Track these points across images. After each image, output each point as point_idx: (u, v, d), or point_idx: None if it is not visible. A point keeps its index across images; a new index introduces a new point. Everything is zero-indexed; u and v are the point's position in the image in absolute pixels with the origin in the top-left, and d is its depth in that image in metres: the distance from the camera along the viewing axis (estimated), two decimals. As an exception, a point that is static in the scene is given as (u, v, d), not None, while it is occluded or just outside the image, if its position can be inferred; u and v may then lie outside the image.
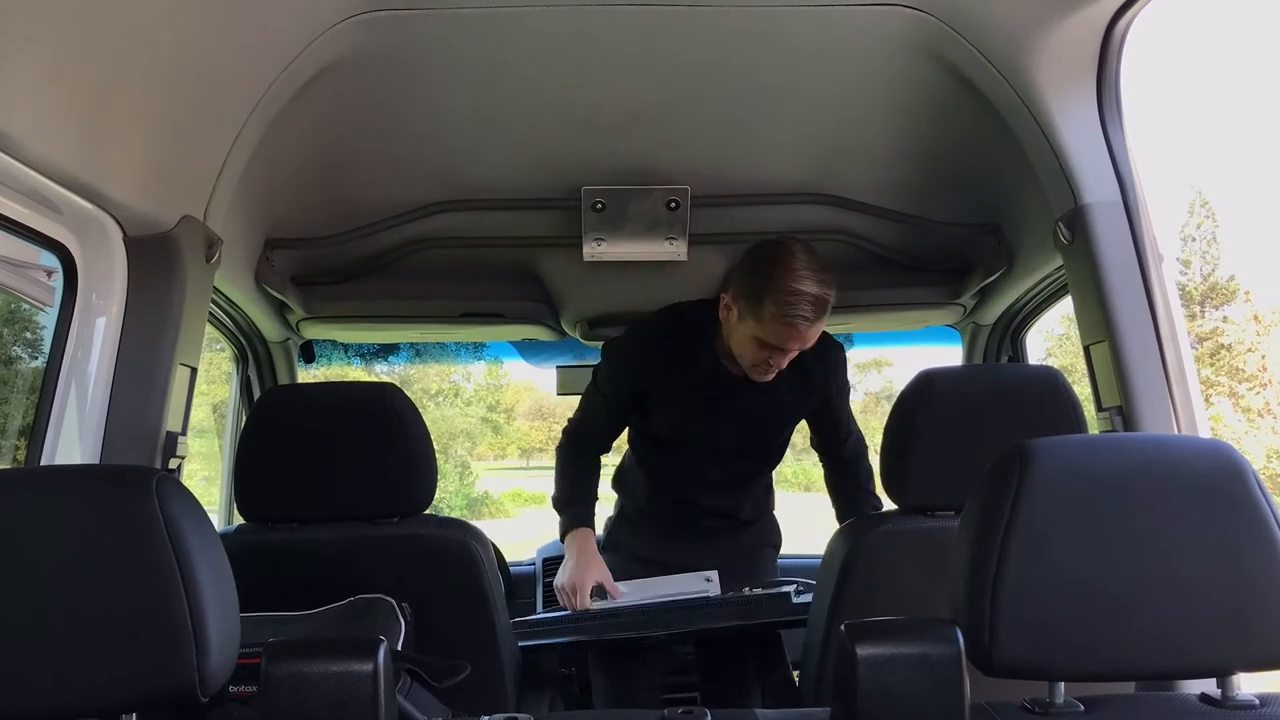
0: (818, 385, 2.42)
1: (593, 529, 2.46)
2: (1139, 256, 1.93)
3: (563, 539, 2.44)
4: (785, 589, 2.35)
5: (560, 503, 2.51)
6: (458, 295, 2.89)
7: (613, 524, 2.78)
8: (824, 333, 2.37)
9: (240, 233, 2.32)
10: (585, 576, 2.33)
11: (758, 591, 2.23)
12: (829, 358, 2.41)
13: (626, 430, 2.65)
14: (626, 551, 2.61)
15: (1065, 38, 1.82)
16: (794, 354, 2.24)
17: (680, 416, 2.47)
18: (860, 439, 2.58)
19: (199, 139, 1.89)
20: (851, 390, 2.59)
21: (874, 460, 2.35)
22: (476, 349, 3.62)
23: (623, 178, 2.49)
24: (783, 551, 2.80)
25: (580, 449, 2.56)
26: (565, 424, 2.63)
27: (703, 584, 2.33)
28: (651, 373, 2.41)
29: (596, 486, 2.59)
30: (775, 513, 2.78)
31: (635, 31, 1.91)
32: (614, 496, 2.78)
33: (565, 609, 2.33)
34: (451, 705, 1.64)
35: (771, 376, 2.27)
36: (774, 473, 2.75)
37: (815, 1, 1.81)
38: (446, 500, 21.28)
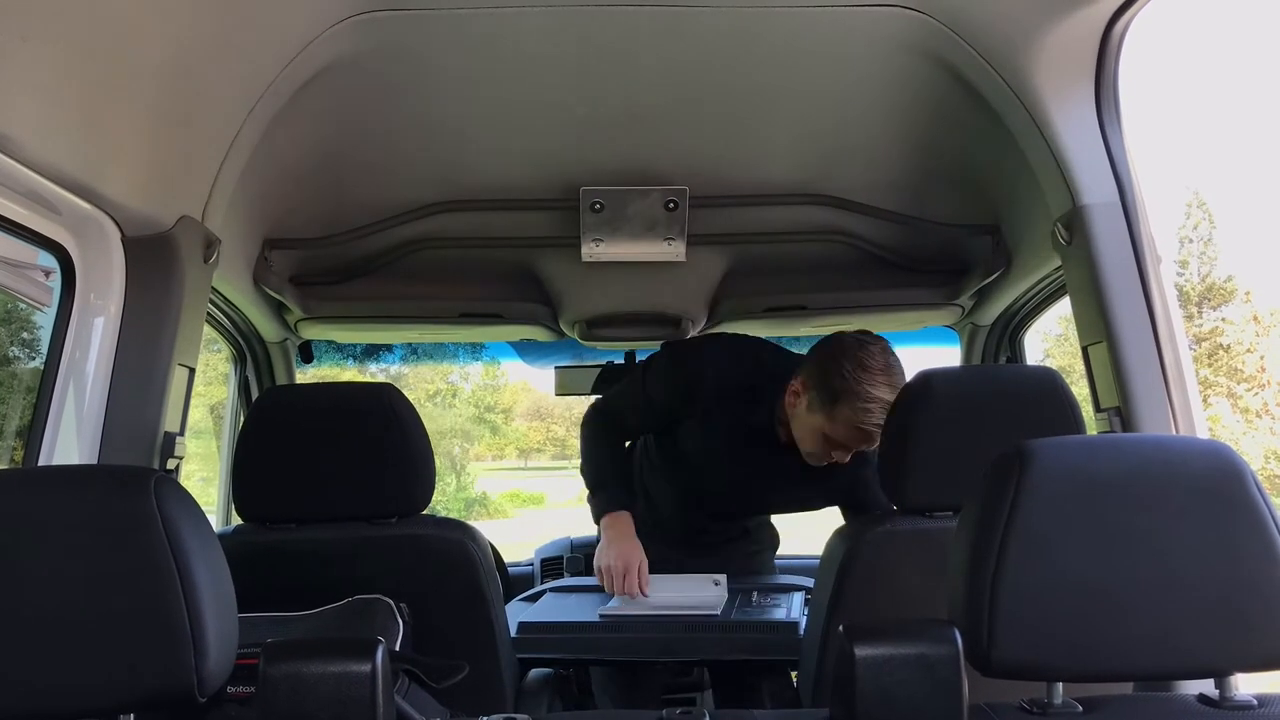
0: (844, 476, 2.35)
1: (630, 512, 2.38)
2: (1137, 257, 1.93)
3: (597, 520, 2.39)
4: (791, 596, 2.35)
5: (594, 483, 2.44)
6: (456, 296, 2.89)
7: None
8: None
9: (238, 233, 2.32)
10: (634, 558, 2.27)
11: (766, 617, 2.21)
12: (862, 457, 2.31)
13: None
14: None
15: (1063, 39, 1.82)
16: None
17: (713, 454, 2.44)
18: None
19: (197, 139, 1.89)
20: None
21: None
22: (475, 349, 3.62)
23: (621, 178, 2.49)
24: (782, 552, 2.80)
25: (612, 431, 2.52)
26: (595, 402, 2.59)
27: (710, 587, 2.33)
28: (708, 403, 2.36)
29: (626, 470, 2.57)
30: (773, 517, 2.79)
31: (634, 32, 1.91)
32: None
33: (609, 592, 2.31)
34: (449, 706, 1.63)
35: (832, 461, 2.23)
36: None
37: (814, 2, 1.81)
38: (444, 502, 21.27)
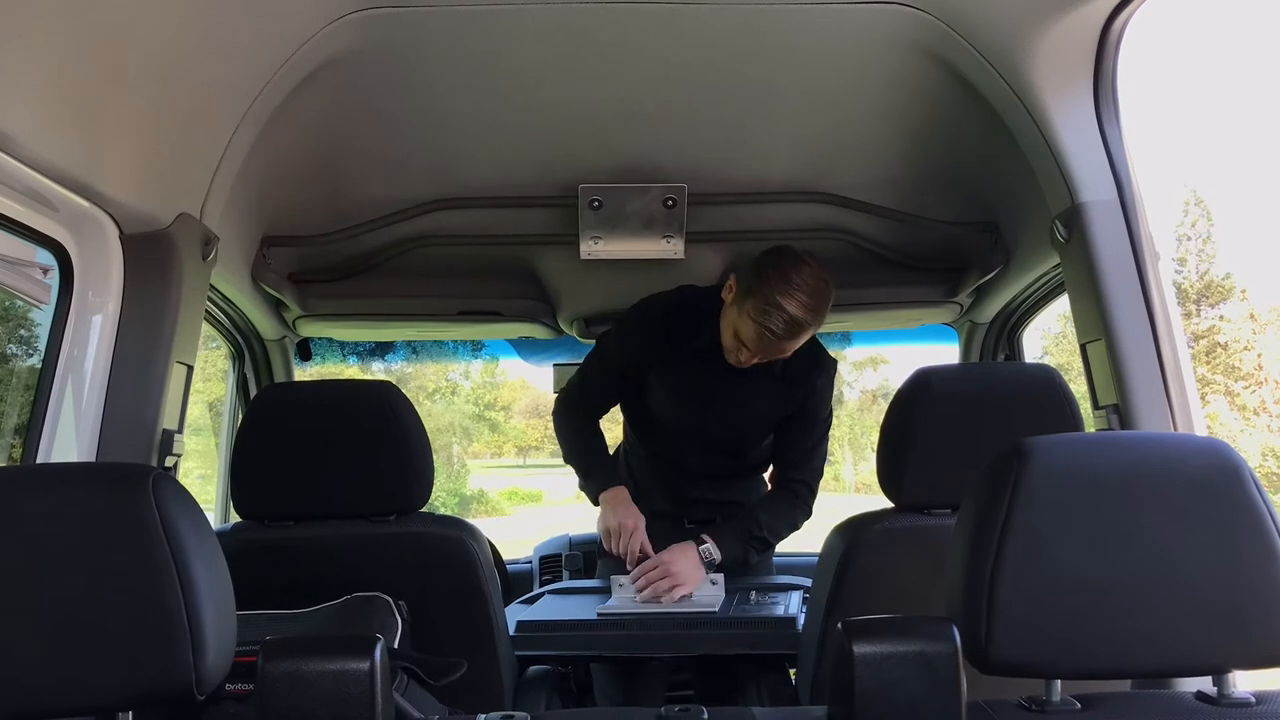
0: (797, 394, 2.46)
1: (625, 486, 2.48)
2: (1135, 255, 1.93)
3: (595, 501, 2.48)
4: (789, 595, 2.35)
5: (583, 469, 2.54)
6: (454, 293, 2.89)
7: None
8: (821, 350, 2.44)
9: (237, 230, 2.32)
10: (640, 521, 2.36)
11: (764, 614, 2.22)
12: (818, 373, 2.46)
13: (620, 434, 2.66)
14: None
15: (1062, 36, 1.82)
16: (766, 357, 2.27)
17: (672, 394, 2.52)
18: (807, 482, 2.50)
19: (195, 136, 1.89)
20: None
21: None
22: (473, 347, 3.62)
23: (620, 176, 2.49)
24: (780, 550, 2.80)
25: (580, 416, 2.59)
26: (559, 393, 2.67)
27: (708, 585, 2.33)
28: (653, 346, 2.47)
29: (607, 449, 2.62)
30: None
31: (633, 29, 1.91)
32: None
33: (613, 551, 2.36)
34: (448, 703, 1.64)
35: (743, 363, 2.32)
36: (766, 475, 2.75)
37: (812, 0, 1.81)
38: (441, 499, 21.28)
